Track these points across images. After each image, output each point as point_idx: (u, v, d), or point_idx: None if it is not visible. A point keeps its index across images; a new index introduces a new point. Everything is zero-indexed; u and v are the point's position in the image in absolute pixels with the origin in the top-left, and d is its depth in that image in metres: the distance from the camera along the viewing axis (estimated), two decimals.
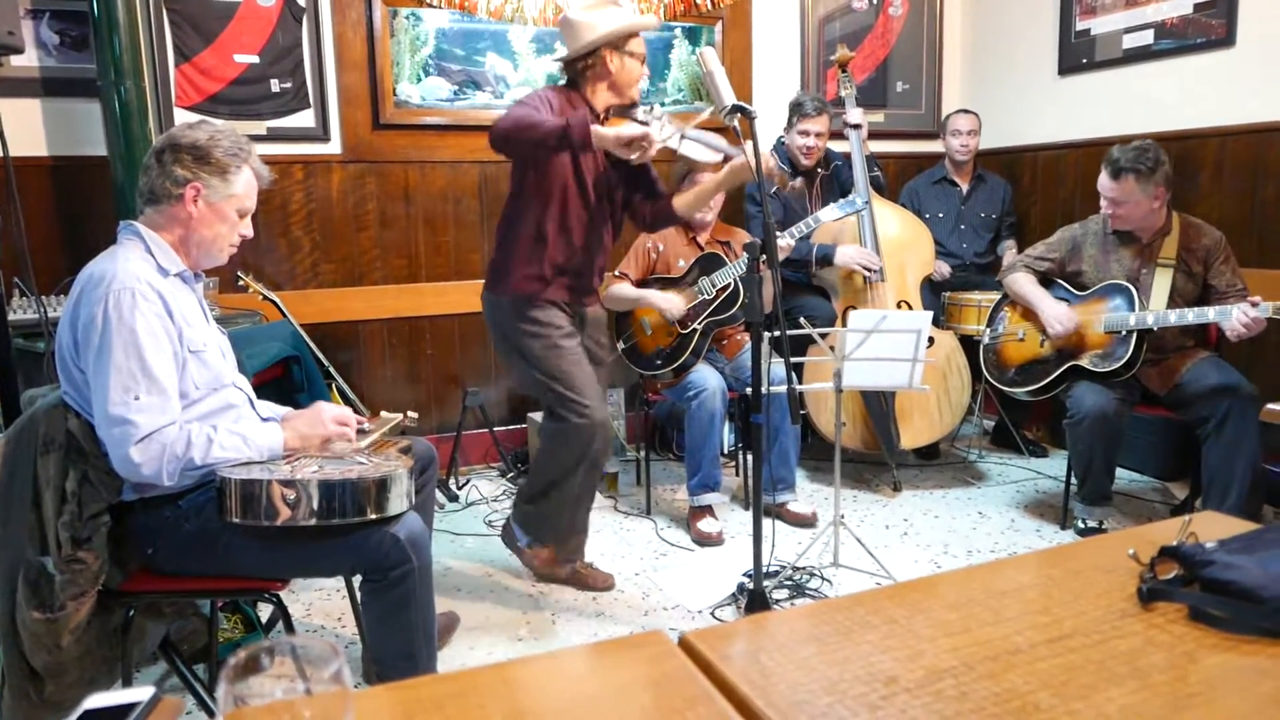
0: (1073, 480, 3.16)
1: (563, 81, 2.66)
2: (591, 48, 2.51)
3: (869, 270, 3.65)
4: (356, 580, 1.93)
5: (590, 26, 2.49)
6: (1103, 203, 3.02)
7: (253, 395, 2.00)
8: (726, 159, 2.50)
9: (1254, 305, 2.68)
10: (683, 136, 2.49)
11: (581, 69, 2.56)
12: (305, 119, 3.61)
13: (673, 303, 3.29)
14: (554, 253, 2.57)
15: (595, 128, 2.31)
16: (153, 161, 1.81)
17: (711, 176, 2.60)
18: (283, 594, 1.87)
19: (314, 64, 3.59)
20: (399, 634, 1.82)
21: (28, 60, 3.13)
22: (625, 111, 2.61)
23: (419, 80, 3.79)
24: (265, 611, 2.49)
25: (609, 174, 2.63)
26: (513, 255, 2.59)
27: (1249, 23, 3.44)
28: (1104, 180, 2.97)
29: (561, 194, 2.55)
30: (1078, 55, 4.16)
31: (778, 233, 3.00)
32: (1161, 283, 2.99)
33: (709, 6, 4.18)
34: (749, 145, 2.23)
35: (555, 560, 2.71)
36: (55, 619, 1.69)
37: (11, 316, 2.54)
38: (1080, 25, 4.13)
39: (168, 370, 1.72)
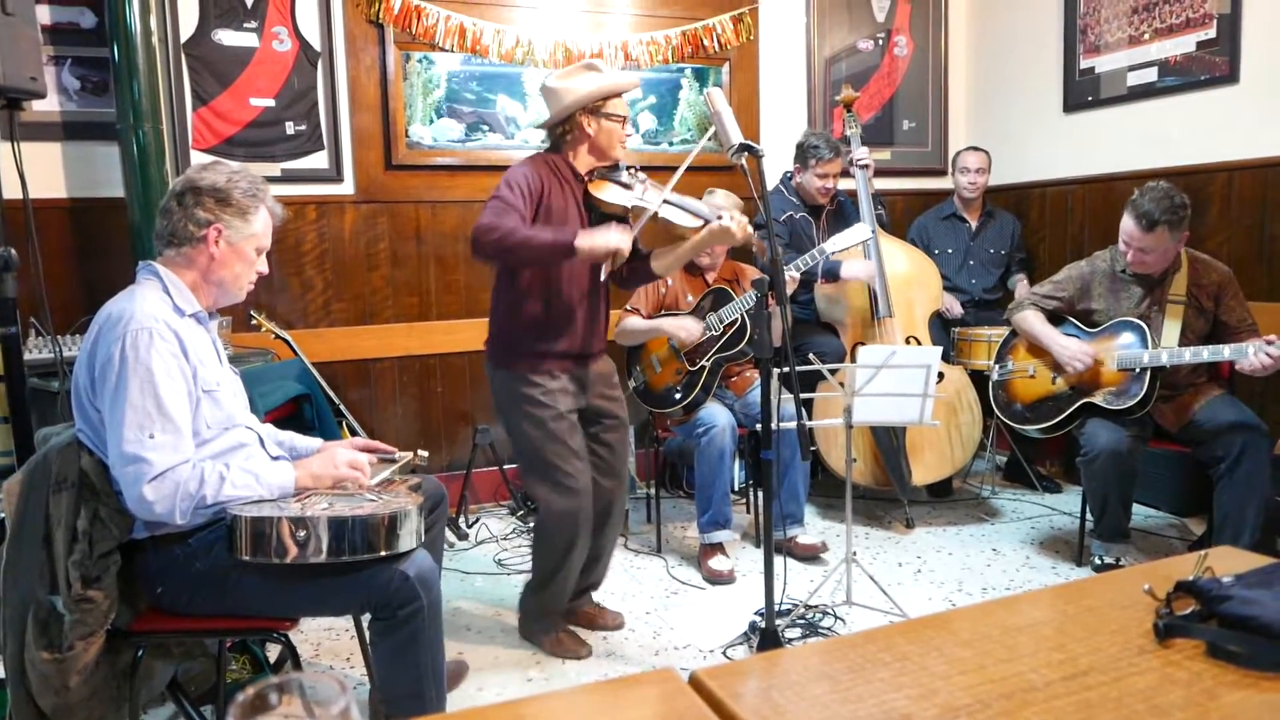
0: (1088, 516, 3.13)
1: (547, 145, 2.66)
2: (567, 113, 2.52)
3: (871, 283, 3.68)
4: (365, 619, 1.92)
5: (567, 91, 2.50)
6: (1127, 250, 2.95)
7: (263, 434, 2.00)
8: (706, 223, 2.52)
9: (1270, 343, 2.67)
10: (664, 201, 2.52)
11: (561, 134, 2.57)
12: (319, 160, 3.67)
13: (687, 327, 3.26)
14: (552, 322, 2.55)
15: (580, 243, 2.30)
16: (173, 204, 1.84)
17: (691, 238, 2.59)
18: (291, 634, 1.86)
19: (328, 107, 3.66)
20: (408, 673, 1.81)
21: (49, 105, 3.19)
22: (608, 173, 2.61)
23: (431, 122, 3.85)
24: (274, 652, 2.48)
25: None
26: (508, 328, 2.58)
27: (1252, 59, 3.47)
28: (1133, 230, 2.89)
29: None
30: (1083, 93, 4.20)
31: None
32: (1172, 319, 2.98)
33: (716, 48, 4.25)
34: (735, 205, 2.18)
35: (577, 641, 2.69)
36: (63, 659, 1.69)
37: (27, 356, 2.57)
38: (1084, 63, 4.18)
39: (182, 409, 1.73)
